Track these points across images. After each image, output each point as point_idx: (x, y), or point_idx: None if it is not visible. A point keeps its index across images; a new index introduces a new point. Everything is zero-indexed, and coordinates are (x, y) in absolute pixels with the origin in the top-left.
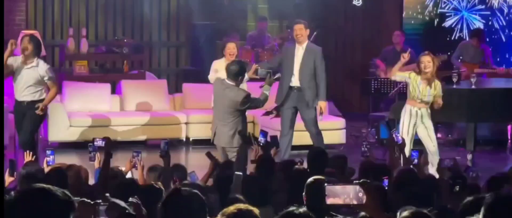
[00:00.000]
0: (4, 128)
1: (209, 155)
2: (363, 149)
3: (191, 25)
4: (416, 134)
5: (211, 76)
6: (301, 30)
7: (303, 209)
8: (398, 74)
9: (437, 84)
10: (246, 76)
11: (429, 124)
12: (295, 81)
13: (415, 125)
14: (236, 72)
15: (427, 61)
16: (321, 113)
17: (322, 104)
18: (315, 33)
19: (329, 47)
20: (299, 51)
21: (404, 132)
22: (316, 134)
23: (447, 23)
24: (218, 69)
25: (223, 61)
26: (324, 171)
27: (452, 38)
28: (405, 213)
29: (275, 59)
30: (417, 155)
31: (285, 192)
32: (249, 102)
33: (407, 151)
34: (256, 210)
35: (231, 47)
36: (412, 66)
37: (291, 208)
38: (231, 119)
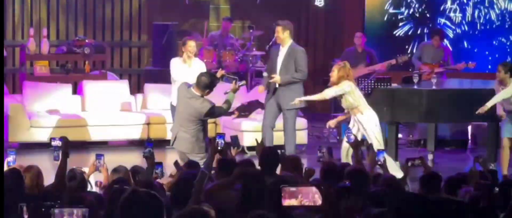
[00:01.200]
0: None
1: (176, 164)
2: (318, 154)
3: (152, 25)
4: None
5: (177, 74)
6: (278, 32)
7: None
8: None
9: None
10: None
11: (369, 126)
12: (276, 84)
13: (359, 130)
14: (206, 85)
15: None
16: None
17: (277, 78)
18: None
19: None
20: (282, 52)
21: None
22: (290, 135)
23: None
24: (176, 67)
25: (180, 59)
26: (275, 171)
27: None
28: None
29: (268, 63)
30: (381, 155)
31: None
32: (213, 113)
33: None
34: (212, 212)
35: (192, 45)
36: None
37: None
38: (193, 126)
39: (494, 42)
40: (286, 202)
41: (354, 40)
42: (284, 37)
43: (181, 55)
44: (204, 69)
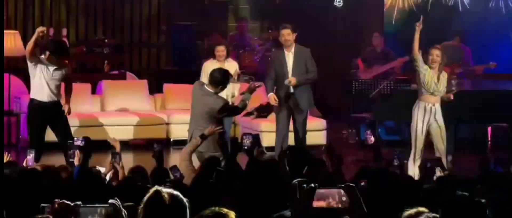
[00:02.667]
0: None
1: (173, 168)
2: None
3: (172, 25)
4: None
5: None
6: (288, 35)
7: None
8: (419, 57)
9: (444, 76)
10: (228, 86)
11: (441, 122)
12: (291, 87)
13: (429, 122)
14: (218, 80)
15: (436, 55)
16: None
17: (293, 79)
18: None
19: (310, 48)
20: (289, 57)
21: (419, 130)
22: (302, 136)
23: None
24: (209, 70)
25: (213, 63)
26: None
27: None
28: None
29: (270, 69)
30: (399, 155)
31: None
32: (227, 110)
33: (419, 151)
34: (232, 214)
35: (221, 50)
36: (393, 64)
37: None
38: (208, 125)
39: None
40: (315, 204)
41: (372, 40)
42: (293, 40)
43: (215, 57)
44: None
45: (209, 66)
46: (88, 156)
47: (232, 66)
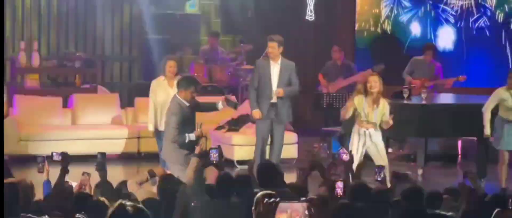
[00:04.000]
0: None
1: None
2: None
3: (143, 39)
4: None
5: (151, 100)
6: (274, 48)
7: None
8: (349, 112)
9: (384, 104)
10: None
11: (378, 140)
12: (274, 98)
13: (365, 144)
14: (180, 84)
15: (374, 81)
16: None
17: (280, 90)
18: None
19: None
20: (275, 68)
21: (354, 150)
22: (278, 148)
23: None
24: (157, 89)
25: (161, 80)
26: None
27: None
28: None
29: (254, 78)
30: (379, 171)
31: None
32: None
33: (355, 166)
34: None
35: (172, 65)
36: (356, 78)
37: None
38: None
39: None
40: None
41: (332, 54)
42: (278, 53)
43: (165, 73)
44: None
45: (156, 85)
46: (66, 171)
47: None
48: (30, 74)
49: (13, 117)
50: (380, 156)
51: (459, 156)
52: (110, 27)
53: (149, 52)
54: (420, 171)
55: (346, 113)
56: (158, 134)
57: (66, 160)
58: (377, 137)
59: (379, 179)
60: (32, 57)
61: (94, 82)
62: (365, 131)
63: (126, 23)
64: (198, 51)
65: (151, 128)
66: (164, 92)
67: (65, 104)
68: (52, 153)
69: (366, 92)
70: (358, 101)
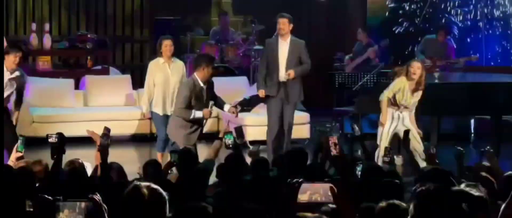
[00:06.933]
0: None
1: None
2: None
3: (154, 20)
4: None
5: (148, 82)
6: (284, 24)
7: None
8: (387, 109)
9: (420, 94)
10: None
11: (409, 125)
12: (282, 77)
13: (396, 127)
14: (198, 62)
15: (417, 68)
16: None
17: (291, 72)
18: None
19: None
20: (284, 46)
21: (385, 133)
22: (289, 129)
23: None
24: (155, 71)
25: (161, 63)
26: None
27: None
28: (382, 205)
29: (263, 57)
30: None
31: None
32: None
33: (382, 148)
34: (209, 208)
35: (168, 44)
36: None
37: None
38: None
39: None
40: (300, 198)
41: (357, 36)
42: (288, 30)
43: (162, 54)
44: (183, 70)
45: (154, 67)
46: (62, 152)
47: (178, 66)
48: (41, 56)
49: (26, 99)
50: (417, 141)
51: (472, 135)
52: (121, 8)
53: (160, 33)
54: (433, 150)
55: (386, 113)
56: (156, 116)
57: (62, 141)
58: (409, 120)
59: (387, 160)
60: (44, 39)
61: (106, 64)
62: (399, 114)
63: (138, 4)
64: (209, 32)
65: (143, 109)
66: (162, 73)
67: (77, 86)
68: (47, 135)
69: (407, 75)
70: (401, 84)
